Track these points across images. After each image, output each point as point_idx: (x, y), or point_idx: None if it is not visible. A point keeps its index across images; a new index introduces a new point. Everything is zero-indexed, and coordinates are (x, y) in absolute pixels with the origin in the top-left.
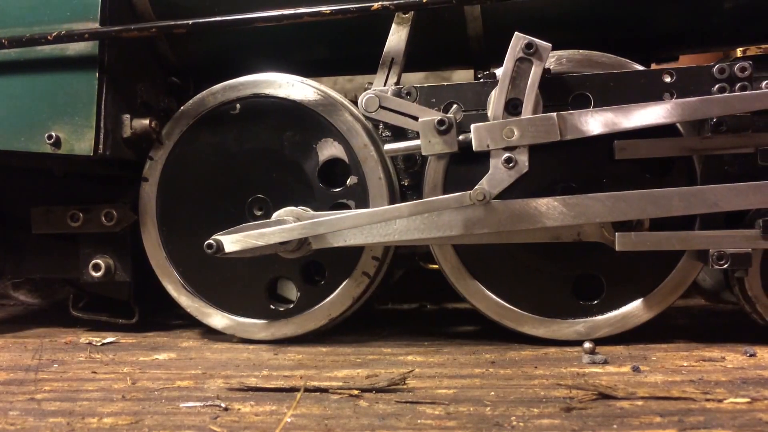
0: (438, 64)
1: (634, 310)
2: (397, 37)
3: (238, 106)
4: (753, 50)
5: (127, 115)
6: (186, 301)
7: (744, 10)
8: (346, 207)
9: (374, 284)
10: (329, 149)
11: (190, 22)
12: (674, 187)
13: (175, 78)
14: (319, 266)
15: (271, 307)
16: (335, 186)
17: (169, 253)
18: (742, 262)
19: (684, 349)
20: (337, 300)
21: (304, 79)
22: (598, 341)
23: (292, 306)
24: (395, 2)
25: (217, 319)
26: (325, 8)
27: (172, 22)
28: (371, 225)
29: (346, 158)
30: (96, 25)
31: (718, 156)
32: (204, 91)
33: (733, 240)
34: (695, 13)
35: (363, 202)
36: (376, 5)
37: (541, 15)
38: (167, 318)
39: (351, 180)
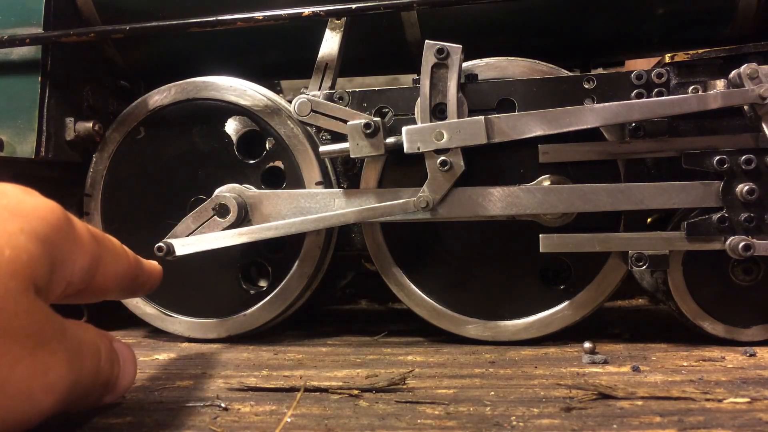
0: (380, 69)
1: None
2: (330, 43)
3: (176, 109)
4: (681, 56)
5: (71, 118)
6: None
7: (674, 18)
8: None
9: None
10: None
11: (127, 27)
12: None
13: (125, 81)
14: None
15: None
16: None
17: None
18: (659, 263)
19: (684, 349)
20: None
21: (244, 82)
22: (596, 341)
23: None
24: (325, 8)
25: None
26: (257, 14)
27: (110, 27)
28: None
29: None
30: (39, 30)
31: (640, 160)
32: (144, 96)
33: (651, 242)
34: (628, 20)
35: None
36: (306, 12)
37: (477, 21)
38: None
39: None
